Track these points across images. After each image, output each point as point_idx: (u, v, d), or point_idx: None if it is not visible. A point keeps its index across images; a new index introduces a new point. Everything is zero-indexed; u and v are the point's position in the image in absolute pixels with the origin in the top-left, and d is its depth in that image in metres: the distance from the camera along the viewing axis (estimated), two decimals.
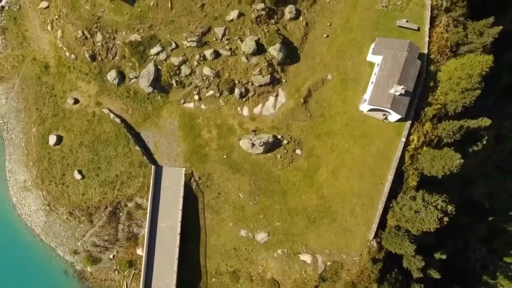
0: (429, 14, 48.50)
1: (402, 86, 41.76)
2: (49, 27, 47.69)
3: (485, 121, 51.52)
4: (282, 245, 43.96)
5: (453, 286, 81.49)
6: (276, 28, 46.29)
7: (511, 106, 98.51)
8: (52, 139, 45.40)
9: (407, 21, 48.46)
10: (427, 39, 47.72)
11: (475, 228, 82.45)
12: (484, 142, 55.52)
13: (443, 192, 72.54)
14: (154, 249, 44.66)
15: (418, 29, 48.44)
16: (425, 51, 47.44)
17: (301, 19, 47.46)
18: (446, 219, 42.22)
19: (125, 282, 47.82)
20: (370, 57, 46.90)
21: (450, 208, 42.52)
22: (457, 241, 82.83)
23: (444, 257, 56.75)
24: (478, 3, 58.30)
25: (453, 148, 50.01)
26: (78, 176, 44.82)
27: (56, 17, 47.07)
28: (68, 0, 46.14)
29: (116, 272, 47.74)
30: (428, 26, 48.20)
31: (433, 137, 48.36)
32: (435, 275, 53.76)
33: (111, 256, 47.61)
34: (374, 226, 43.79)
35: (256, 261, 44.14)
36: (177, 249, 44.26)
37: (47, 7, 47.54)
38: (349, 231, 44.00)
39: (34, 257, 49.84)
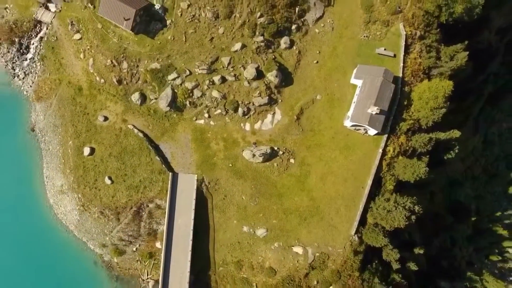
0: (404, 43, 58.03)
1: (377, 107, 51.36)
2: (82, 56, 58.04)
3: (455, 133, 60.84)
4: (278, 239, 53.68)
5: (438, 281, 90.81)
6: (273, 56, 56.21)
7: (497, 113, 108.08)
8: (86, 151, 55.73)
9: (385, 49, 57.97)
10: (401, 64, 57.34)
11: (459, 228, 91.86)
12: (456, 151, 64.88)
13: (427, 194, 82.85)
14: (171, 243, 54.51)
15: (395, 56, 57.93)
16: (400, 75, 57.01)
17: (295, 48, 57.34)
18: (413, 217, 51.81)
19: (146, 271, 57.97)
20: (353, 81, 56.57)
21: (417, 208, 52.09)
22: (444, 240, 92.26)
23: (422, 251, 66.12)
24: (453, 27, 67.69)
25: (428, 156, 59.77)
26: (108, 182, 55.06)
27: (88, 47, 57.42)
28: (98, 34, 56.53)
29: (139, 262, 57.90)
30: (403, 53, 57.74)
31: (407, 147, 57.89)
32: (413, 267, 63.15)
33: (134, 249, 57.79)
34: (356, 223, 53.27)
35: (256, 252, 53.93)
36: (190, 243, 54.00)
37: (80, 38, 57.91)
38: (335, 228, 53.61)
39: (68, 250, 60.20)
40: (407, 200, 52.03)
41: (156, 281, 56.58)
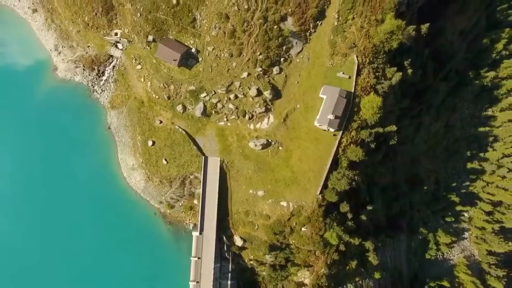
0: (356, 68, 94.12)
1: (333, 115, 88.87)
2: (142, 80, 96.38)
3: (392, 128, 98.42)
4: (271, 197, 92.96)
5: (398, 235, 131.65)
6: (268, 80, 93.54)
7: (459, 101, 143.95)
8: (150, 143, 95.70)
9: (343, 73, 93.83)
10: (354, 83, 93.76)
11: (413, 195, 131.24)
12: (395, 139, 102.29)
13: (390, 168, 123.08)
14: (205, 200, 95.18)
15: (350, 78, 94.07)
16: (352, 90, 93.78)
17: (283, 73, 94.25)
18: (354, 183, 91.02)
19: (188, 218, 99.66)
20: (321, 95, 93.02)
21: (357, 178, 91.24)
22: (403, 203, 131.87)
23: (371, 208, 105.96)
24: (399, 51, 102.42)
25: (375, 143, 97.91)
26: (164, 162, 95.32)
27: (146, 74, 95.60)
28: (153, 66, 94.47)
29: (183, 212, 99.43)
30: (356, 75, 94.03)
31: (357, 139, 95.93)
32: (364, 217, 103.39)
33: (180, 204, 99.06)
34: (320, 187, 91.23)
35: (257, 205, 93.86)
36: (216, 200, 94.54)
37: (141, 68, 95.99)
38: (307, 190, 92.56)
39: (136, 206, 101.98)
40: (351, 173, 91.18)
41: (195, 224, 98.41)
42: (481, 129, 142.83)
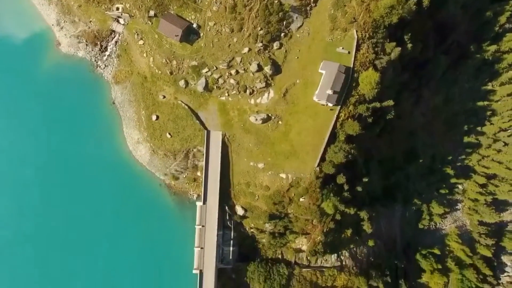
0: (356, 43, 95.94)
1: (332, 90, 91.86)
2: (145, 55, 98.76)
3: (390, 102, 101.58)
4: (271, 169, 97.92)
5: (393, 204, 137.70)
6: (269, 55, 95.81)
7: (460, 75, 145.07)
8: (154, 117, 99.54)
9: (342, 48, 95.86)
10: (353, 58, 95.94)
11: (409, 168, 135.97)
12: (393, 114, 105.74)
13: (387, 141, 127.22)
14: (208, 172, 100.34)
15: (349, 53, 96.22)
16: (351, 66, 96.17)
17: (283, 48, 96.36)
18: (350, 156, 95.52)
19: (191, 189, 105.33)
20: (320, 70, 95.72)
21: (353, 151, 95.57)
22: (399, 176, 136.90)
23: (366, 179, 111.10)
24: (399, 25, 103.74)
25: (372, 118, 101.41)
26: (168, 136, 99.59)
27: (149, 50, 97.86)
28: (155, 41, 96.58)
29: (187, 184, 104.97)
30: (355, 50, 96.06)
31: (354, 113, 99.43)
32: (360, 188, 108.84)
33: (184, 176, 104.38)
34: (318, 160, 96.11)
35: (258, 177, 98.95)
36: (219, 172, 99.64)
37: (143, 44, 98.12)
38: (305, 163, 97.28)
39: (142, 178, 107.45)
40: (348, 147, 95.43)
41: (198, 195, 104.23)
42: (480, 103, 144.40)
